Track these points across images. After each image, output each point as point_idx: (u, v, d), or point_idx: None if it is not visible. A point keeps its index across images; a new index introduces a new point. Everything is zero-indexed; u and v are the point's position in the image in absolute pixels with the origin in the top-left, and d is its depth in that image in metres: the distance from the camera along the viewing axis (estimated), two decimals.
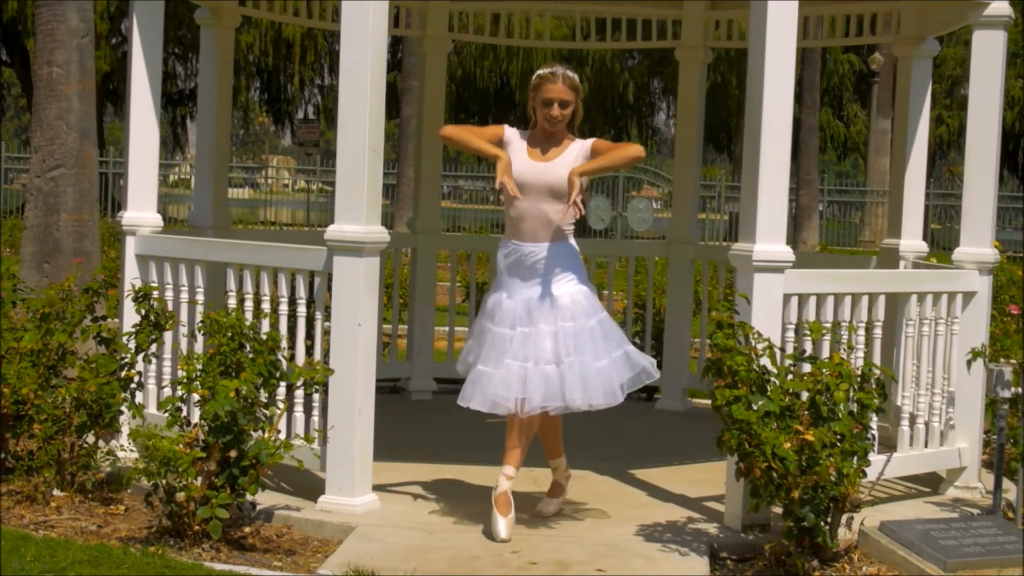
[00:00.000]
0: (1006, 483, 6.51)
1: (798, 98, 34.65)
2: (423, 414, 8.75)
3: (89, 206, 9.23)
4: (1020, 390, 6.39)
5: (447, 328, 9.76)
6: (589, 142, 5.99)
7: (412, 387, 9.31)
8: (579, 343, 5.83)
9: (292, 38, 33.58)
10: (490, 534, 5.70)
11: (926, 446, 6.75)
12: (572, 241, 6.04)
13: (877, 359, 6.43)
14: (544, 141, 5.99)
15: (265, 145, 58.98)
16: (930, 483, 6.95)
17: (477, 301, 10.18)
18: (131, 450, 6.64)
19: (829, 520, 5.44)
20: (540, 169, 5.91)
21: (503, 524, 5.70)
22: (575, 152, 5.94)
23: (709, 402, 9.38)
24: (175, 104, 36.91)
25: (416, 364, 9.30)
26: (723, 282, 9.49)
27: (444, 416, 8.54)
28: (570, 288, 5.92)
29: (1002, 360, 6.88)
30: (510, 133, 6.04)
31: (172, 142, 39.74)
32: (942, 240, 32.78)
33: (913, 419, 6.70)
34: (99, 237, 9.64)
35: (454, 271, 9.87)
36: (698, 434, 8.22)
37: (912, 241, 8.07)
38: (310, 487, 6.19)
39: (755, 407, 5.38)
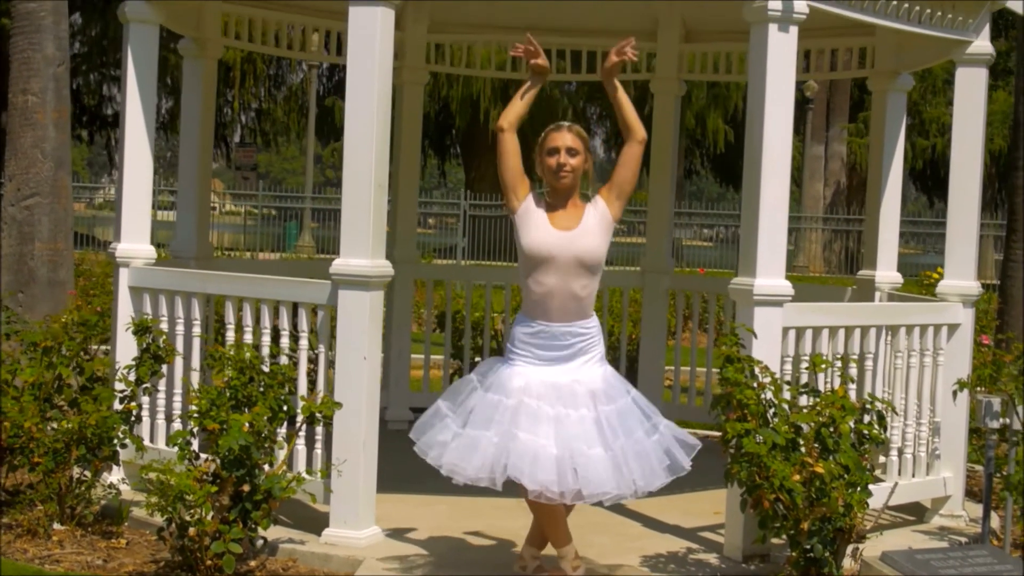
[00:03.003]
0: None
1: None
2: (403, 444, 8.69)
3: (64, 235, 9.17)
4: (1007, 421, 6.53)
5: (423, 356, 9.76)
6: (598, 198, 5.53)
7: (388, 417, 9.25)
8: (626, 423, 5.37)
9: (232, 62, 33.33)
10: None
11: (913, 476, 6.87)
12: (595, 316, 5.60)
13: (868, 391, 6.54)
14: (561, 204, 5.50)
15: None
16: (914, 512, 7.06)
17: (453, 330, 10.19)
18: (128, 483, 6.61)
19: (834, 550, 5.53)
20: (567, 239, 5.40)
21: None
22: (593, 215, 5.47)
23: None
24: (112, 126, 36.50)
25: (392, 394, 9.23)
26: (697, 312, 9.56)
27: None
28: (599, 370, 5.51)
29: (979, 390, 7.03)
30: (530, 197, 5.52)
31: (109, 164, 39.26)
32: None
33: (901, 450, 6.82)
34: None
35: (431, 300, 9.88)
36: None
37: (887, 272, 8.21)
38: (310, 520, 6.17)
39: (760, 440, 5.46)
